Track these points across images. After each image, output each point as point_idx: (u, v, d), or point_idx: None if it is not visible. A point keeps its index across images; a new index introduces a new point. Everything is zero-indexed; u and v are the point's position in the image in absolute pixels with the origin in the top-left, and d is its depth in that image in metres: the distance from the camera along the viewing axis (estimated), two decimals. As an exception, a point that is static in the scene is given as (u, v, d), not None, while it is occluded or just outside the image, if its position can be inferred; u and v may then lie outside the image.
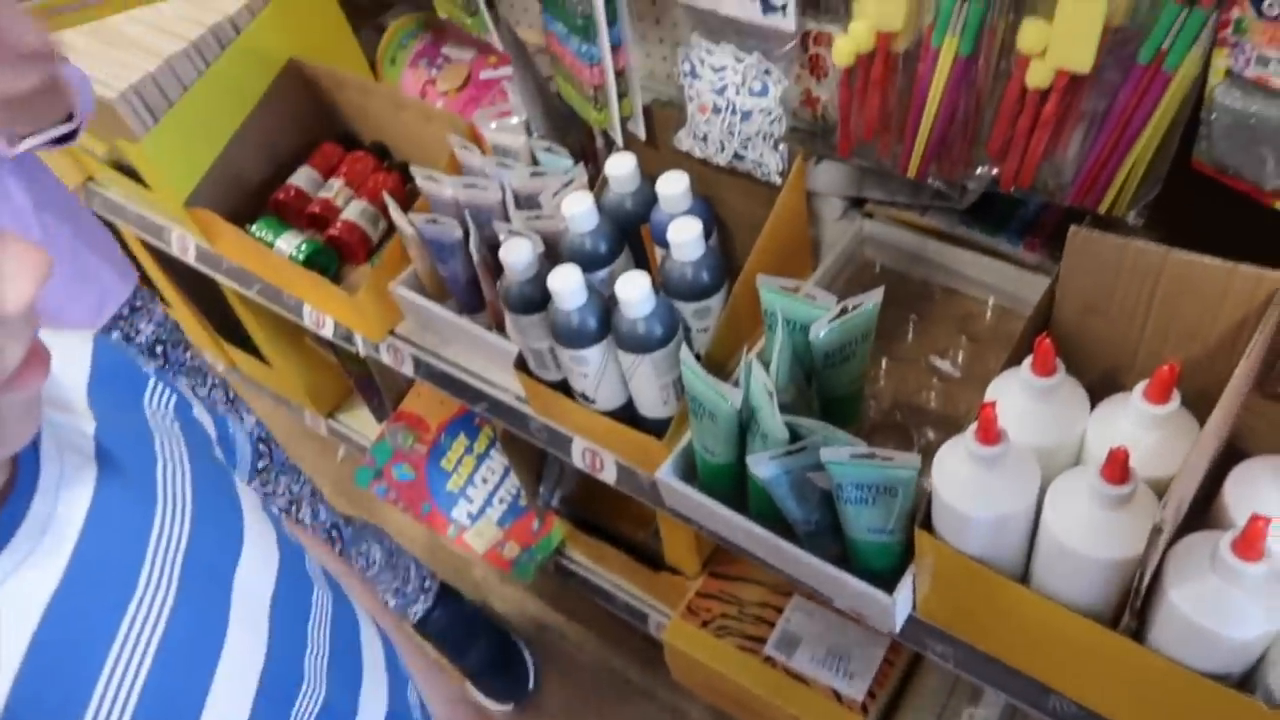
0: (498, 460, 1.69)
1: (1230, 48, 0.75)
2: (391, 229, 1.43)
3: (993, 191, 0.97)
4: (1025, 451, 0.77)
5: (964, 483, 0.77)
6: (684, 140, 1.08)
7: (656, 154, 1.16)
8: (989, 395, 0.82)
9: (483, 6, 1.14)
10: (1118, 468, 0.69)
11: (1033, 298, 1.12)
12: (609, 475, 1.15)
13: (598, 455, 1.15)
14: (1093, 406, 0.82)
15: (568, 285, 0.95)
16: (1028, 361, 0.78)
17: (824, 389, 0.99)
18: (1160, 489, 0.75)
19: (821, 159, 1.13)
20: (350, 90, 1.47)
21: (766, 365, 0.90)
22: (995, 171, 0.91)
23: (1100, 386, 0.85)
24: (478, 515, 1.67)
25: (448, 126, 1.32)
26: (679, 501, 1.04)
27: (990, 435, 0.74)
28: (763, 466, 0.87)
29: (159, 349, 1.30)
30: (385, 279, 1.28)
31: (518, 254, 1.01)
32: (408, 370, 1.34)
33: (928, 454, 1.05)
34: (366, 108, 1.48)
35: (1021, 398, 0.80)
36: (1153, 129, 0.80)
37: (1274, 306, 0.74)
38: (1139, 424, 0.76)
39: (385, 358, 1.36)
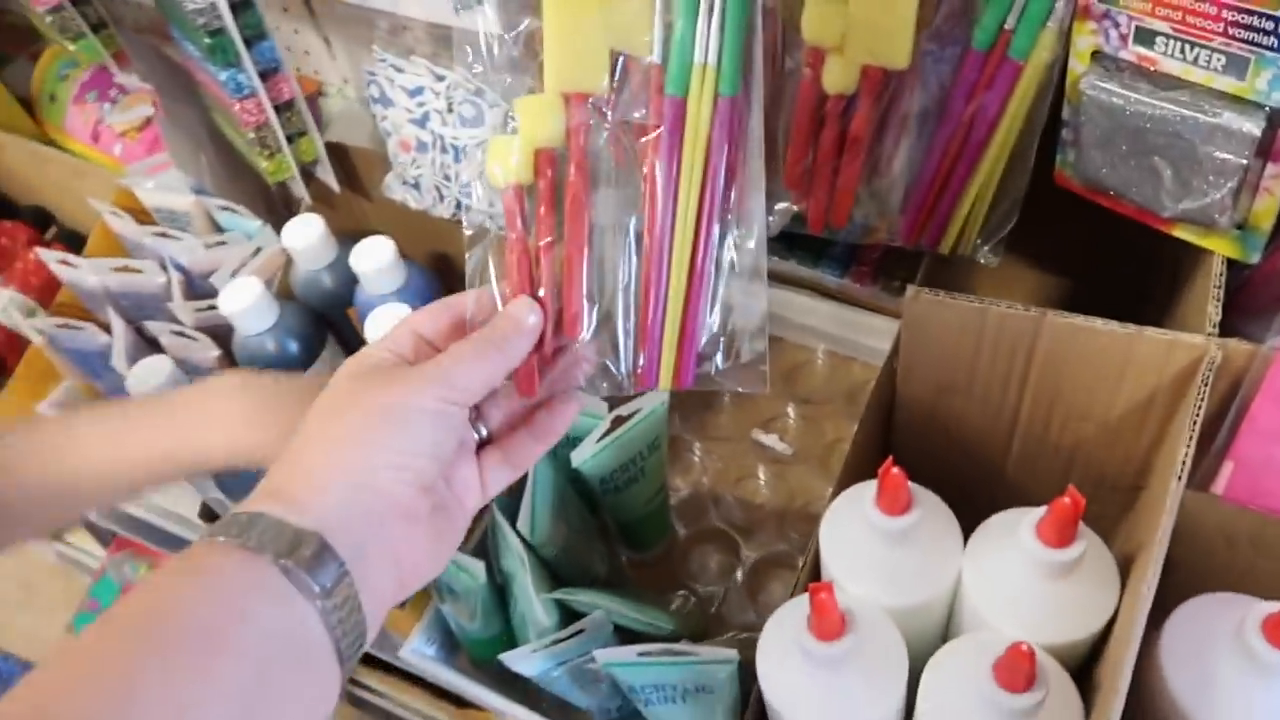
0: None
1: (1097, 20, 0.52)
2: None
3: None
4: (882, 631, 0.53)
5: (802, 691, 0.52)
6: (394, 188, 0.79)
7: (371, 206, 0.87)
8: (824, 544, 0.57)
9: (85, 27, 0.81)
10: (1021, 676, 0.46)
11: (869, 341, 0.89)
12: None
13: (337, 616, 0.86)
14: (965, 523, 0.59)
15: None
16: (870, 495, 0.54)
17: (613, 514, 0.73)
18: (1066, 655, 0.52)
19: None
20: (-20, 143, 1.11)
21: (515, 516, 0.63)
22: (798, 207, 0.66)
23: (969, 490, 0.62)
24: (244, 650, 1.34)
25: (103, 184, 0.99)
26: (441, 679, 0.77)
27: (831, 630, 0.49)
28: (525, 663, 0.61)
29: None
30: (31, 398, 0.95)
31: (150, 378, 0.70)
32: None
33: (759, 573, 0.81)
34: (7, 164, 1.13)
35: (868, 542, 0.55)
36: (1000, 142, 0.57)
37: (1200, 385, 0.52)
38: (1034, 572, 0.52)
39: (57, 499, 1.02)
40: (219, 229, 0.92)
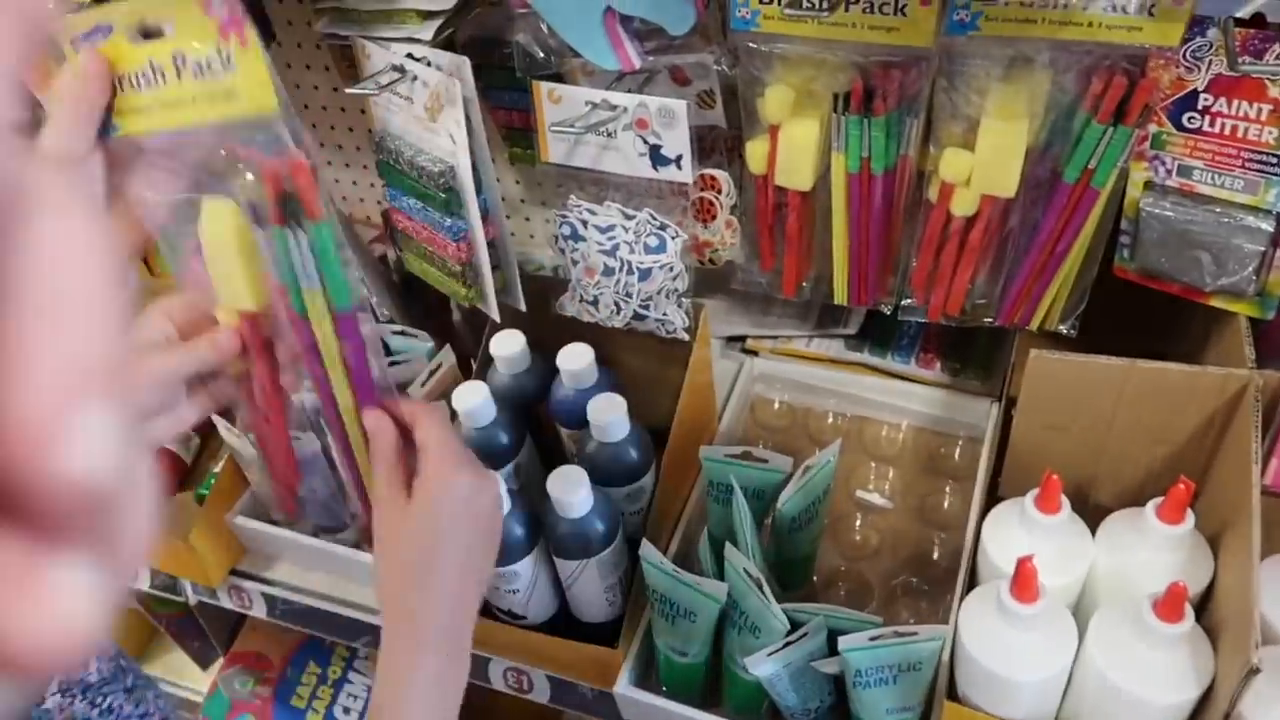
0: (359, 683, 1.45)
1: (1149, 160, 0.75)
2: (206, 446, 1.22)
3: (873, 312, 0.95)
4: (1058, 601, 0.71)
5: (1004, 646, 0.70)
6: (568, 306, 0.97)
7: (532, 322, 1.04)
8: (987, 543, 0.76)
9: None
10: (1176, 606, 0.65)
11: (941, 413, 1.10)
12: (540, 694, 0.99)
13: (524, 674, 0.99)
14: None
15: (493, 497, 0.81)
16: (1030, 499, 0.73)
17: (782, 553, 0.90)
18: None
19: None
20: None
21: (735, 545, 0.80)
22: (916, 302, 0.88)
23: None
24: (346, 754, 1.42)
25: (268, 321, 1.14)
26: (642, 713, 0.90)
27: (1032, 593, 0.67)
28: (763, 666, 0.76)
29: None
30: (219, 511, 1.07)
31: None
32: (259, 612, 1.11)
33: (891, 602, 0.98)
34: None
35: (1023, 536, 0.75)
36: (1080, 244, 0.80)
37: (1253, 401, 0.73)
38: (1157, 547, 0.72)
39: (227, 602, 1.13)
40: (390, 351, 1.09)
